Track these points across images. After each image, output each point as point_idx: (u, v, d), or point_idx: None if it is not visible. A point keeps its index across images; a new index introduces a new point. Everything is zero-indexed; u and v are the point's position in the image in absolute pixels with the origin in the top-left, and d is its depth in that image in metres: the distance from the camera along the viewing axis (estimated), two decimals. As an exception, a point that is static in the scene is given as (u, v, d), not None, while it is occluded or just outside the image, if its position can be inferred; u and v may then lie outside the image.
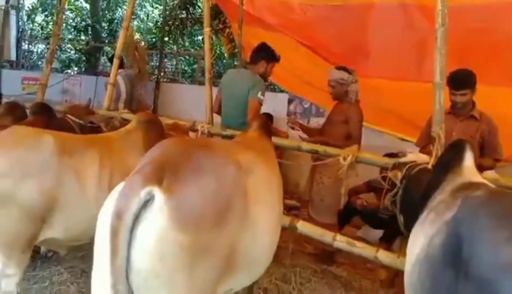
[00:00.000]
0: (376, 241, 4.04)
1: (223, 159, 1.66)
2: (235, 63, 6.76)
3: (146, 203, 1.41)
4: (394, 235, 3.75)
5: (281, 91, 6.59)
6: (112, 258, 1.41)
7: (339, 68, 3.87)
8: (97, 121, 3.82)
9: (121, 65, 5.83)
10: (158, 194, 1.41)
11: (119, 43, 4.69)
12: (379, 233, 4.15)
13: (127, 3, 10.97)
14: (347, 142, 3.40)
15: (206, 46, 3.90)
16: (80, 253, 3.52)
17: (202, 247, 1.47)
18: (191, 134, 3.82)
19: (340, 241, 2.70)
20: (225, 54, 7.07)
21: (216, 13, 6.52)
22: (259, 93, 3.59)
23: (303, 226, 2.87)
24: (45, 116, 3.48)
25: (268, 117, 5.17)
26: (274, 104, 5.99)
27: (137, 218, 1.41)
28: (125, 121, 4.00)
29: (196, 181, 1.48)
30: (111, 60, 5.82)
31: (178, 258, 1.45)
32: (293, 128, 4.12)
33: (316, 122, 5.87)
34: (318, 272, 3.65)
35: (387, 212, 3.51)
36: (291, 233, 3.04)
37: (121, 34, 4.73)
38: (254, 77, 3.70)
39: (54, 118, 3.61)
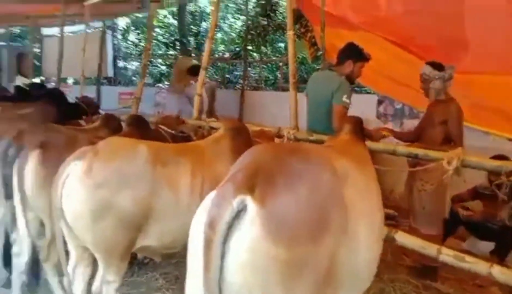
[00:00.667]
0: (485, 254, 3.61)
1: (318, 165, 1.55)
2: (318, 67, 6.61)
3: (239, 213, 1.36)
4: (508, 248, 3.32)
5: (369, 92, 6.30)
6: (205, 269, 1.38)
7: (428, 63, 3.72)
8: (187, 130, 3.92)
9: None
10: (250, 204, 1.35)
11: (205, 55, 4.79)
12: (487, 245, 3.72)
13: (209, 18, 11.39)
14: (446, 147, 3.09)
15: (290, 50, 3.81)
16: (174, 259, 3.62)
17: (298, 262, 1.37)
18: (277, 140, 3.75)
19: (447, 255, 2.42)
20: (308, 59, 6.96)
21: (298, 17, 6.43)
22: (344, 96, 3.41)
23: (402, 237, 2.63)
24: (140, 128, 3.62)
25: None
26: (363, 106, 5.72)
27: (230, 228, 1.36)
28: (213, 130, 4.08)
29: (290, 190, 1.39)
30: (192, 72, 6.03)
31: (272, 272, 1.37)
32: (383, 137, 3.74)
33: (411, 124, 5.48)
34: (420, 287, 3.34)
35: (498, 222, 3.12)
36: (389, 245, 2.82)
37: (206, 45, 4.83)
38: (338, 79, 3.52)
39: (148, 129, 3.75)
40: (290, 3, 3.93)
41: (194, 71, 6.20)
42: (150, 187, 2.38)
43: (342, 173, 1.57)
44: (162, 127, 3.87)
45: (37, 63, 11.89)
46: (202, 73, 4.79)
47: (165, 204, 2.43)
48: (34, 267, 2.95)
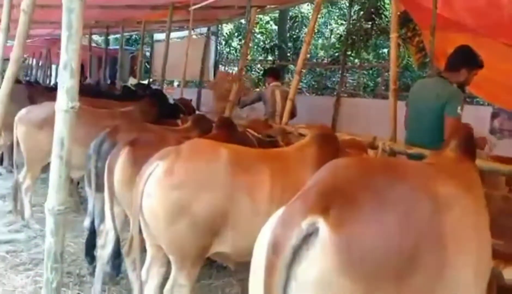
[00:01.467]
0: None
1: (415, 188, 1.27)
2: (425, 74, 6.07)
3: (309, 237, 1.15)
4: None
5: (482, 104, 5.60)
6: (265, 297, 1.19)
7: None
8: (275, 134, 3.80)
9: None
10: (323, 227, 1.13)
11: (300, 59, 4.64)
12: None
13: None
14: None
15: (392, 54, 3.48)
16: (252, 267, 3.49)
17: (377, 302, 1.12)
18: (370, 152, 3.44)
19: None
20: (414, 65, 6.44)
21: (404, 21, 5.99)
22: (458, 108, 2.99)
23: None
24: (227, 130, 3.59)
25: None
26: (474, 119, 5.07)
27: (297, 254, 1.15)
28: (302, 136, 3.90)
29: (374, 215, 1.14)
30: (272, 74, 5.94)
31: (344, 312, 1.14)
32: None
33: (532, 141, 4.74)
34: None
35: None
36: (494, 280, 2.36)
37: (302, 50, 4.68)
38: (451, 88, 3.11)
39: (235, 132, 3.70)
40: (395, 5, 3.59)
41: (275, 74, 6.10)
42: (227, 192, 2.28)
43: (444, 200, 1.27)
44: (250, 130, 3.79)
45: (148, 66, 12.81)
46: (296, 77, 4.66)
47: (242, 211, 2.31)
48: (117, 260, 3.04)
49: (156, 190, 2.23)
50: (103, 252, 2.94)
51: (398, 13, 4.09)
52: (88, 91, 6.42)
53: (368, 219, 1.12)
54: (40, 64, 16.67)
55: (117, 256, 3.00)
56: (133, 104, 4.98)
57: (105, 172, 2.91)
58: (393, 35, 3.49)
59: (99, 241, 3.01)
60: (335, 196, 1.16)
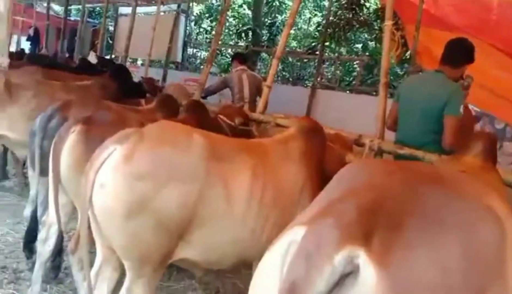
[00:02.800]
0: None
1: (473, 207, 0.94)
2: (404, 70, 5.88)
3: (344, 277, 0.79)
4: None
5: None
6: None
7: None
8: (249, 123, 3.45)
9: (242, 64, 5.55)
10: (367, 266, 0.78)
11: (281, 43, 4.28)
12: None
13: (288, 9, 10.88)
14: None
15: (386, 44, 3.19)
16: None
17: None
18: (356, 149, 3.14)
19: None
20: (393, 60, 6.25)
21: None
22: (461, 107, 2.74)
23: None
24: (198, 115, 3.22)
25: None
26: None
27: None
28: (279, 127, 3.57)
29: (433, 247, 0.80)
30: (239, 59, 5.61)
31: None
32: None
33: None
34: None
35: None
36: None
37: (283, 32, 4.32)
38: (452, 85, 2.84)
39: (207, 118, 3.34)
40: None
41: (241, 58, 5.74)
42: (200, 186, 1.90)
43: (502, 220, 0.95)
44: (222, 117, 3.41)
45: (110, 42, 12.04)
46: (274, 62, 4.29)
47: (215, 209, 1.95)
48: (57, 258, 2.59)
49: (112, 180, 1.82)
50: (44, 248, 2.48)
51: (379, 6, 3.85)
52: (41, 61, 5.81)
53: (427, 254, 0.78)
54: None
55: (59, 253, 2.55)
56: (92, 79, 4.46)
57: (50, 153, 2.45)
58: (388, 23, 3.18)
59: (40, 234, 2.55)
60: (378, 217, 0.80)
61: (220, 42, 12.74)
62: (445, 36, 4.77)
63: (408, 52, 6.13)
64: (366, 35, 9.50)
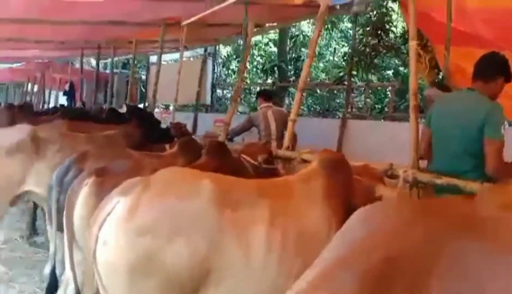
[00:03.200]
0: None
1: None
2: (438, 93, 5.55)
3: None
4: None
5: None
6: None
7: (433, 84, 3.87)
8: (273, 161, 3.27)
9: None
10: None
11: (302, 75, 4.14)
12: None
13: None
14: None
15: (412, 64, 2.96)
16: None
17: None
18: (387, 181, 2.87)
19: None
20: (425, 84, 5.96)
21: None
22: (502, 128, 2.46)
23: None
24: (219, 157, 3.08)
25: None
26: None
27: None
28: (306, 163, 3.37)
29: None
30: (264, 96, 5.57)
31: None
32: None
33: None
34: None
35: None
36: None
37: (304, 65, 4.19)
38: (488, 103, 2.57)
39: (228, 159, 3.18)
40: (413, 8, 3.09)
41: (266, 95, 5.64)
42: (211, 238, 1.73)
43: None
44: (245, 157, 3.25)
45: (143, 90, 12.40)
46: (297, 95, 4.14)
47: (230, 263, 1.77)
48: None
49: (115, 236, 1.69)
50: (60, 309, 2.36)
51: (406, 29, 3.66)
52: (73, 114, 5.95)
53: None
54: (35, 89, 16.33)
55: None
56: (117, 128, 4.47)
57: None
58: (412, 43, 2.96)
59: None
60: (391, 284, 0.60)
61: (248, 81, 12.89)
62: (477, 53, 4.51)
63: (441, 73, 5.84)
64: (396, 61, 9.26)
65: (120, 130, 4.36)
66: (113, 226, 1.70)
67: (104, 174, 2.40)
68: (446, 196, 2.33)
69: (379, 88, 8.97)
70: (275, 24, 7.35)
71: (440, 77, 5.17)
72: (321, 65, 12.51)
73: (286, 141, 4.04)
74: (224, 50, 12.36)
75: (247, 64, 13.73)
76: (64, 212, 2.35)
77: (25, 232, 4.74)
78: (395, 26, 7.31)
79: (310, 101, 11.15)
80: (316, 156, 2.35)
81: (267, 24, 7.37)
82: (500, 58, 2.71)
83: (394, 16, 7.52)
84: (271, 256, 1.82)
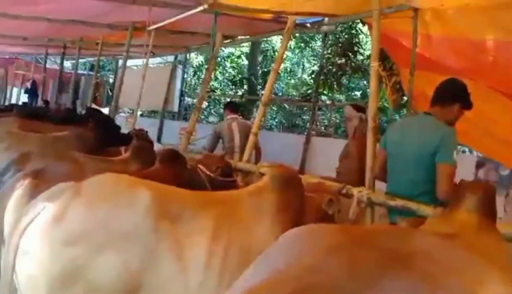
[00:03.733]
0: None
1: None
2: (401, 116, 5.65)
3: None
4: None
5: (464, 151, 5.17)
6: None
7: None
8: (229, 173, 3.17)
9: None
10: None
11: (267, 88, 4.11)
12: None
13: (284, 57, 10.95)
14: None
15: (373, 86, 2.94)
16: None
17: None
18: (344, 201, 2.82)
19: None
20: (390, 106, 6.04)
21: (380, 58, 5.62)
22: (454, 153, 2.46)
23: None
24: (173, 165, 2.96)
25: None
26: (458, 167, 4.60)
27: None
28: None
29: None
30: (230, 107, 5.52)
31: None
32: None
33: (521, 195, 4.28)
34: None
35: None
36: None
37: (269, 79, 4.15)
38: (443, 128, 2.57)
39: (183, 169, 3.06)
40: (376, 31, 3.10)
41: (232, 107, 5.58)
42: (146, 251, 1.61)
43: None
44: (201, 167, 3.13)
45: (110, 93, 12.09)
46: (261, 108, 4.10)
47: (165, 279, 1.64)
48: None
49: (38, 245, 1.53)
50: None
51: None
52: (27, 113, 5.67)
53: None
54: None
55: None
56: (70, 129, 4.26)
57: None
58: (374, 64, 2.95)
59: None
60: None
61: (218, 92, 12.82)
62: (440, 79, 4.61)
63: (405, 97, 5.94)
64: (365, 82, 9.42)
65: (74, 132, 4.16)
66: (37, 234, 1.55)
67: (42, 177, 2.22)
68: (400, 217, 2.30)
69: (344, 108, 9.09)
70: (245, 37, 7.32)
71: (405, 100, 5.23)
72: (292, 81, 12.61)
73: (246, 154, 3.97)
74: (196, 60, 12.25)
75: (219, 75, 13.77)
76: (-5, 216, 2.16)
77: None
78: (364, 48, 7.43)
79: (280, 116, 11.16)
80: (268, 171, 2.27)
81: (238, 37, 7.34)
82: (458, 84, 2.73)
83: (362, 38, 7.65)
84: (211, 272, 1.70)
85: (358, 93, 10.11)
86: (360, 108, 4.26)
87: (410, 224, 1.59)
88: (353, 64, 7.26)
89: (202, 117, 11.66)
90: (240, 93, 11.17)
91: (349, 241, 0.74)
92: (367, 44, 7.67)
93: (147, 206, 1.65)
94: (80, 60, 14.18)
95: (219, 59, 12.47)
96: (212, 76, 12.45)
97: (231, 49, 12.22)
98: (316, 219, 2.26)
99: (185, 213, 1.76)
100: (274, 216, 2.00)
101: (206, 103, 11.68)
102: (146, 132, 5.91)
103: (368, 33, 7.50)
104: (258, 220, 1.97)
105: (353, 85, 9.06)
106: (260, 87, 10.71)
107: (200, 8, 4.37)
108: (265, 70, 11.48)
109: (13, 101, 13.05)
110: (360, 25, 7.42)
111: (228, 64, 12.61)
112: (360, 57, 7.59)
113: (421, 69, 4.71)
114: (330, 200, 2.22)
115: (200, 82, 12.49)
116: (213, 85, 12.12)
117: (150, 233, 1.63)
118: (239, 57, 12.62)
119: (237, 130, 5.28)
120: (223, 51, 11.79)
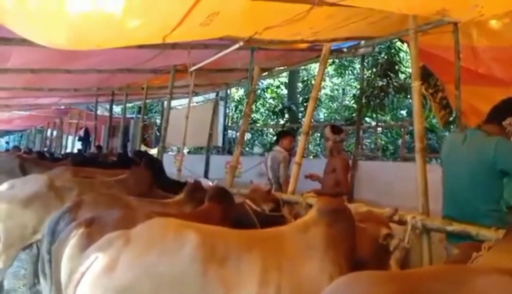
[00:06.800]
0: None
1: None
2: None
3: None
4: None
5: None
6: None
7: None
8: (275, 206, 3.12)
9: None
10: None
11: (307, 117, 4.09)
12: None
13: (324, 84, 10.93)
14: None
15: (416, 105, 2.85)
16: None
17: None
18: (394, 227, 2.68)
19: None
20: (438, 124, 5.81)
21: (424, 76, 5.45)
22: None
23: None
24: (221, 203, 2.95)
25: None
26: None
27: None
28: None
29: None
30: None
31: None
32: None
33: None
34: None
35: None
36: None
37: (308, 107, 4.13)
38: (497, 139, 2.41)
39: (231, 206, 3.05)
40: (414, 50, 3.03)
41: (278, 137, 5.53)
42: (195, 295, 1.59)
43: None
44: (248, 202, 3.11)
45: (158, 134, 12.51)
46: (302, 137, 4.06)
47: (217, 325, 1.60)
48: None
49: (91, 296, 1.56)
50: None
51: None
52: (81, 160, 5.97)
53: None
54: (54, 134, 16.73)
55: None
56: (123, 172, 4.39)
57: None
58: (415, 84, 2.87)
59: None
60: None
61: (260, 123, 12.94)
62: (491, 92, 4.38)
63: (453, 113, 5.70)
64: (410, 100, 9.17)
65: (132, 175, 4.24)
66: (91, 285, 1.58)
67: (95, 225, 2.29)
68: (450, 245, 2.16)
69: (392, 128, 8.82)
70: (282, 68, 7.40)
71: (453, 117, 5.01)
72: (334, 106, 12.51)
73: (291, 184, 3.91)
74: (237, 94, 12.50)
75: (260, 106, 13.93)
76: (52, 265, 2.24)
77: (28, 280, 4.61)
78: (405, 66, 7.24)
79: (323, 142, 11.02)
80: (315, 204, 2.21)
81: (275, 68, 7.43)
82: (509, 101, 2.57)
83: (403, 56, 7.48)
84: (263, 316, 1.66)
85: (404, 112, 9.85)
86: (337, 130, 4.51)
87: (463, 251, 1.47)
88: (395, 83, 7.09)
89: (247, 149, 11.78)
90: (282, 122, 11.23)
91: (398, 290, 0.69)
92: (409, 61, 7.50)
93: (193, 250, 1.65)
94: (128, 104, 14.86)
95: (258, 91, 12.65)
96: (253, 108, 12.62)
97: (270, 80, 12.37)
98: (370, 252, 2.15)
99: (233, 254, 1.75)
100: (324, 252, 1.93)
101: (250, 135, 11.80)
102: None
103: (408, 50, 7.37)
104: (306, 258, 1.91)
105: (398, 105, 8.82)
106: (301, 114, 10.72)
107: (236, 46, 4.47)
108: (306, 97, 11.50)
109: (69, 148, 13.82)
110: (399, 44, 7.30)
111: (268, 95, 12.77)
112: (402, 76, 7.41)
113: (469, 84, 4.53)
114: (388, 234, 2.11)
115: (242, 115, 12.70)
116: (254, 116, 12.27)
117: (198, 278, 1.62)
118: (278, 87, 12.76)
119: (269, 162, 5.25)
120: (262, 83, 11.96)
